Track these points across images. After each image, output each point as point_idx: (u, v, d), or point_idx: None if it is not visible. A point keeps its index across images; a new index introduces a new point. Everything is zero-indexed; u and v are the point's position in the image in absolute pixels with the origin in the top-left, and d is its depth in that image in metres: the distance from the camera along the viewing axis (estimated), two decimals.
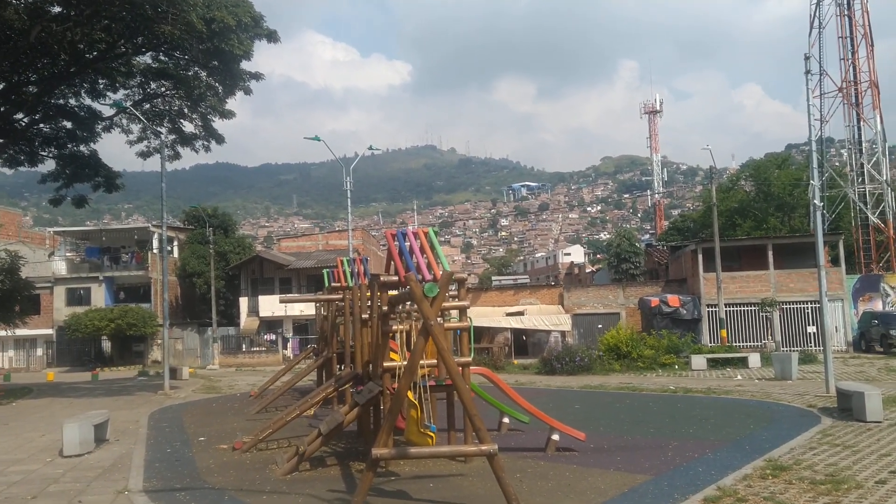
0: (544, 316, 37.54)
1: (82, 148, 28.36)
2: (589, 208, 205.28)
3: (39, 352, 51.89)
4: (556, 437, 11.22)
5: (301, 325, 49.30)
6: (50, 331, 50.52)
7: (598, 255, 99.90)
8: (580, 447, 11.24)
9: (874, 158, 43.89)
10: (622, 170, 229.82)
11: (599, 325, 36.45)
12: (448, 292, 10.86)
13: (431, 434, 8.39)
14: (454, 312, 13.38)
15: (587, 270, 73.49)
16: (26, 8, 21.54)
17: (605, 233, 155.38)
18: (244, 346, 49.40)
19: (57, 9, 22.35)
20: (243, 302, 50.72)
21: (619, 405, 17.43)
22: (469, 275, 32.97)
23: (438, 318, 8.59)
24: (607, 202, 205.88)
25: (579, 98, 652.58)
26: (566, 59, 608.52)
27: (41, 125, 27.76)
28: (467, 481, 9.22)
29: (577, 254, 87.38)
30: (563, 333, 37.29)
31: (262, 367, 42.08)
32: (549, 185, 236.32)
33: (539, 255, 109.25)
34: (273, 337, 49.57)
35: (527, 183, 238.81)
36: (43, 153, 28.24)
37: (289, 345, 48.34)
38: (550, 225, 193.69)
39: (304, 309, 44.43)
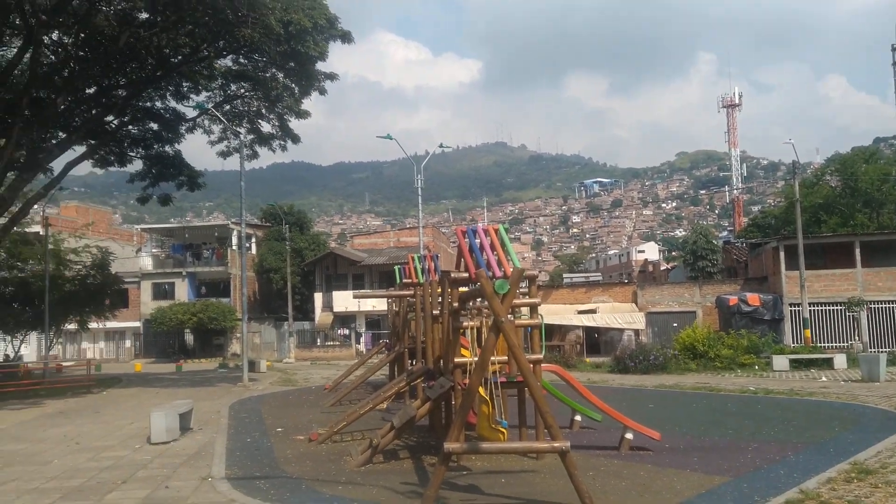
0: (617, 314, 36.95)
1: (167, 148, 29.53)
2: (663, 205, 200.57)
3: (128, 343, 54.40)
4: (629, 435, 11.07)
5: (373, 321, 50.06)
6: (137, 323, 52.88)
7: (674, 253, 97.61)
8: (655, 447, 11.05)
9: None
10: (698, 165, 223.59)
11: (674, 324, 35.62)
12: (519, 289, 10.87)
13: (503, 430, 8.41)
14: (525, 310, 13.37)
15: (662, 268, 71.93)
16: (116, 15, 22.57)
17: (681, 230, 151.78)
18: (318, 340, 50.55)
19: (144, 15, 23.32)
20: (318, 297, 51.89)
21: (696, 405, 17.02)
22: (540, 272, 32.70)
23: (509, 316, 8.59)
24: (683, 198, 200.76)
25: (654, 93, 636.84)
26: (639, 54, 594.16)
27: (130, 127, 28.99)
28: (539, 478, 9.20)
29: (651, 251, 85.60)
30: (636, 332, 36.65)
31: (335, 361, 42.90)
32: (622, 181, 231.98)
33: (612, 252, 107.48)
34: (346, 332, 50.52)
35: (599, 179, 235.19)
36: (131, 154, 29.52)
37: (361, 339, 49.14)
38: (623, 222, 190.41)
39: (377, 304, 45.10)
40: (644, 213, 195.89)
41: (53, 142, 26.48)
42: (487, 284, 7.93)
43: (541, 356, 10.26)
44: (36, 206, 30.63)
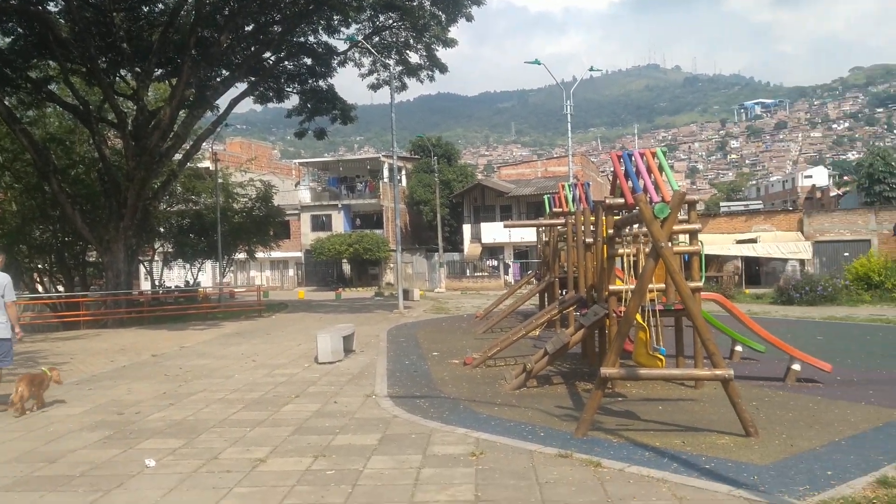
0: (780, 243, 34.81)
1: (321, 83, 30.44)
2: (834, 125, 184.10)
3: (291, 272, 58.14)
4: (796, 366, 10.51)
5: (521, 252, 50.26)
6: (299, 254, 56.29)
7: (845, 178, 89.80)
8: (825, 379, 10.44)
9: None
10: (875, 81, 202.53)
11: (846, 253, 33.10)
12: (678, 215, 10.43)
13: (661, 357, 8.21)
14: (682, 236, 12.87)
15: (832, 194, 66.51)
16: None
17: (854, 153, 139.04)
18: (468, 270, 51.56)
19: None
20: (466, 229, 52.68)
21: (871, 338, 15.83)
22: (697, 201, 31.29)
23: (668, 242, 8.30)
24: (857, 118, 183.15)
25: (826, 2, 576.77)
26: None
27: (286, 63, 30.07)
28: (698, 406, 8.99)
29: (819, 176, 79.30)
30: (801, 262, 34.44)
31: (484, 291, 43.66)
32: (787, 101, 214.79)
33: (774, 178, 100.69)
34: (495, 262, 51.12)
35: (761, 100, 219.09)
36: (288, 89, 30.70)
37: (510, 270, 49.59)
38: (788, 145, 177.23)
39: (525, 236, 45.20)
40: (811, 135, 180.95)
41: (218, 80, 28.11)
42: (646, 209, 7.66)
43: (700, 284, 9.89)
44: (205, 144, 32.76)
